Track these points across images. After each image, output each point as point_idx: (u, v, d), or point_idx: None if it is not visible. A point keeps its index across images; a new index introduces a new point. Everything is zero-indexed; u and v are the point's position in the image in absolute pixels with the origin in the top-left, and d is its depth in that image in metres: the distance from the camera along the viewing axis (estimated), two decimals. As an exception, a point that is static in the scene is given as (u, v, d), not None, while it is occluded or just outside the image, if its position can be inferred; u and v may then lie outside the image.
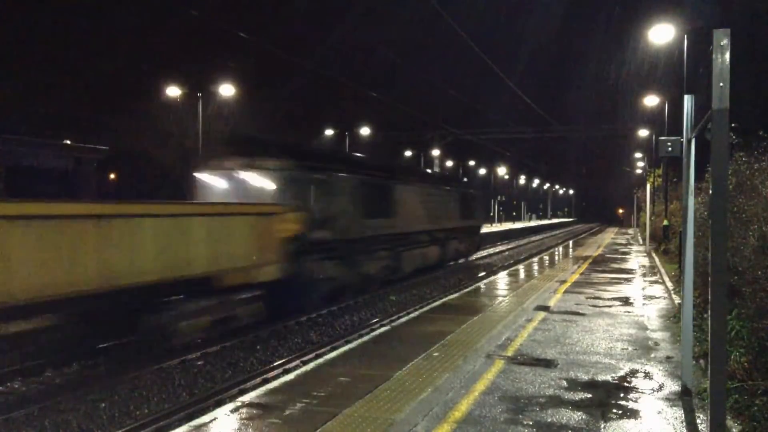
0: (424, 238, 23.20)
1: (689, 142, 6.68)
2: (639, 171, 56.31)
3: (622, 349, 9.28)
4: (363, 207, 17.53)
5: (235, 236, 12.05)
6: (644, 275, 19.87)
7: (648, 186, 39.40)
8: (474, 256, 32.76)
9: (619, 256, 28.17)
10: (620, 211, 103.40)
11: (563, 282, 17.50)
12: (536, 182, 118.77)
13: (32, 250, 8.30)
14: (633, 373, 7.94)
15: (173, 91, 32.65)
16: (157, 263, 10.07)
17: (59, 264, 8.59)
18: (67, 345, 10.26)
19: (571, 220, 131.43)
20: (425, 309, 13.82)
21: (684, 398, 6.85)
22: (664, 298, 14.66)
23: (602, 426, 6.06)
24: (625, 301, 14.05)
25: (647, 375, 7.84)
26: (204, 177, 14.97)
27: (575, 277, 19.03)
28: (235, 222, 12.21)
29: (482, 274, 24.45)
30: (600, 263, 24.24)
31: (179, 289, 10.93)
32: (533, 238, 59.63)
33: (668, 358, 8.71)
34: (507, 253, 38.94)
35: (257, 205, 13.50)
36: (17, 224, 8.18)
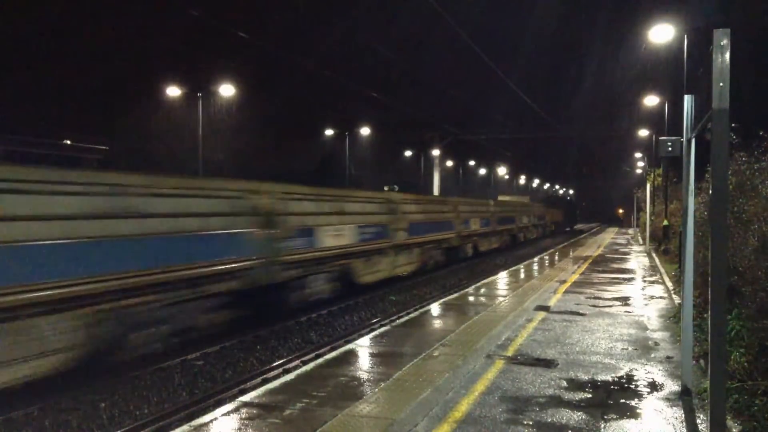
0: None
1: (689, 142, 6.68)
2: (639, 171, 56.29)
3: (622, 349, 9.28)
4: (558, 211, 73.34)
5: (556, 214, 70.39)
6: (644, 275, 19.87)
7: (648, 186, 39.37)
8: (475, 258, 33.21)
9: (619, 256, 28.18)
10: (620, 211, 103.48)
11: (563, 282, 17.51)
12: (536, 182, 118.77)
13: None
14: (633, 373, 7.94)
15: (173, 91, 32.68)
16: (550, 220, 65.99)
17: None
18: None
19: None
20: (425, 309, 13.83)
21: (684, 398, 6.85)
22: (664, 298, 14.66)
23: (602, 426, 6.06)
24: (625, 301, 14.05)
25: (647, 375, 7.84)
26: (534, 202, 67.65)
27: (575, 277, 19.04)
28: (554, 209, 70.28)
29: (482, 274, 24.44)
30: (600, 263, 24.25)
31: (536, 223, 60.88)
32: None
33: (668, 358, 8.71)
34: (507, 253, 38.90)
35: (557, 205, 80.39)
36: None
